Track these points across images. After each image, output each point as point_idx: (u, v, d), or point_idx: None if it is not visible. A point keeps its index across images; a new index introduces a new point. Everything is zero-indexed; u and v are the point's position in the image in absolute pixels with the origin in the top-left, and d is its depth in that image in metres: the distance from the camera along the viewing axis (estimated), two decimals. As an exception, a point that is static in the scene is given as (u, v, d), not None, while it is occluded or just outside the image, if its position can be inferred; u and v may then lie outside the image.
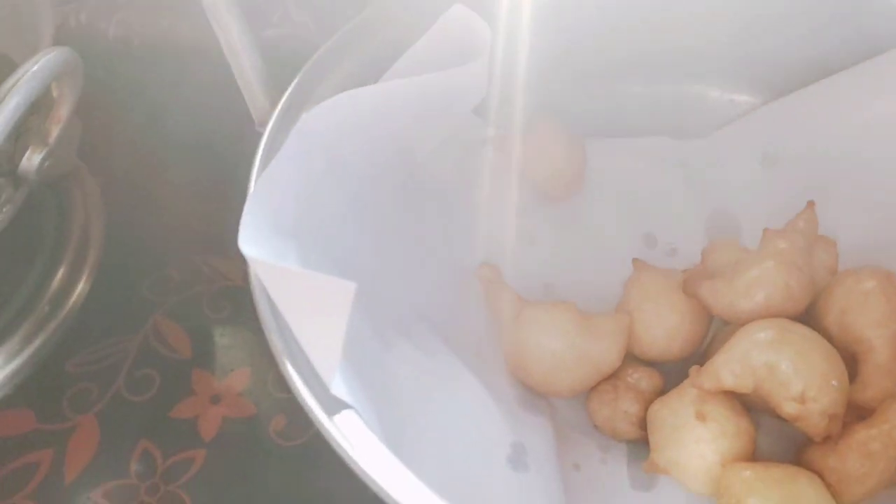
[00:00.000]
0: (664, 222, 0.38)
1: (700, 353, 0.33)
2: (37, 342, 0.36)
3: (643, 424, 0.30)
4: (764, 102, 0.39)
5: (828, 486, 0.27)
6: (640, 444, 0.31)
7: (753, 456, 0.29)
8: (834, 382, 0.27)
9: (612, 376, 0.32)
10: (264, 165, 0.28)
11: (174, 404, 0.37)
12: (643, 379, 0.31)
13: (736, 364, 0.28)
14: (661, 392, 0.31)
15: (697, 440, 0.28)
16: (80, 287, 0.38)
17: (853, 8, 0.35)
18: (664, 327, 0.31)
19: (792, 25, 0.37)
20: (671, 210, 0.38)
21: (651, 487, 0.30)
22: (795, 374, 0.27)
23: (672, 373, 0.32)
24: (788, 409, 0.27)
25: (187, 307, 0.39)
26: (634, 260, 0.34)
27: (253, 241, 0.24)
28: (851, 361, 0.29)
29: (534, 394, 0.32)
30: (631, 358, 0.33)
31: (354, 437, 0.22)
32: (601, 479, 0.30)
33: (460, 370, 0.30)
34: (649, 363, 0.32)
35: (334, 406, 0.23)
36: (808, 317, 0.31)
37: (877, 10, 0.34)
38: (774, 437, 0.30)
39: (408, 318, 0.32)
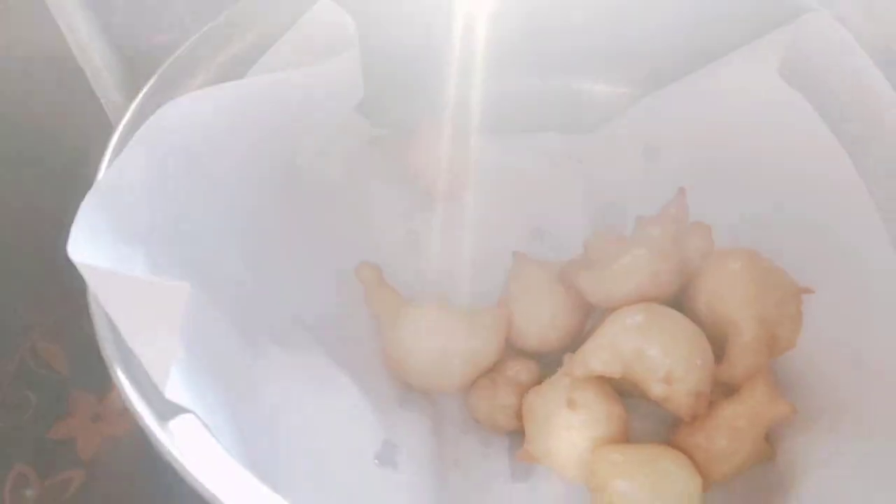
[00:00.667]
0: (553, 217, 0.38)
1: (581, 343, 0.33)
2: None
3: (521, 416, 0.30)
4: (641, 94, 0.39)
5: (696, 464, 0.27)
6: (521, 435, 0.30)
7: (626, 440, 0.28)
8: (699, 362, 0.28)
9: (493, 371, 0.32)
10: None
11: (51, 425, 0.35)
12: (522, 371, 0.31)
13: (604, 350, 0.28)
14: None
15: (568, 428, 0.28)
16: (-47, 312, 0.37)
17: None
18: (542, 318, 0.31)
19: (668, 16, 0.37)
20: (560, 205, 0.38)
21: (530, 477, 0.30)
22: (661, 356, 0.27)
23: (554, 365, 0.32)
24: (656, 390, 0.28)
25: (66, 324, 0.38)
26: (514, 253, 0.33)
27: (89, 246, 0.23)
28: (722, 342, 0.30)
29: (415, 392, 0.32)
30: (514, 351, 0.33)
31: (186, 441, 0.21)
32: (482, 473, 0.30)
33: (335, 373, 0.30)
34: (531, 355, 0.32)
35: (170, 411, 0.22)
36: (682, 300, 0.31)
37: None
38: (649, 421, 0.30)
39: (283, 324, 0.31)
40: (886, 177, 0.31)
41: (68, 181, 0.42)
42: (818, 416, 0.29)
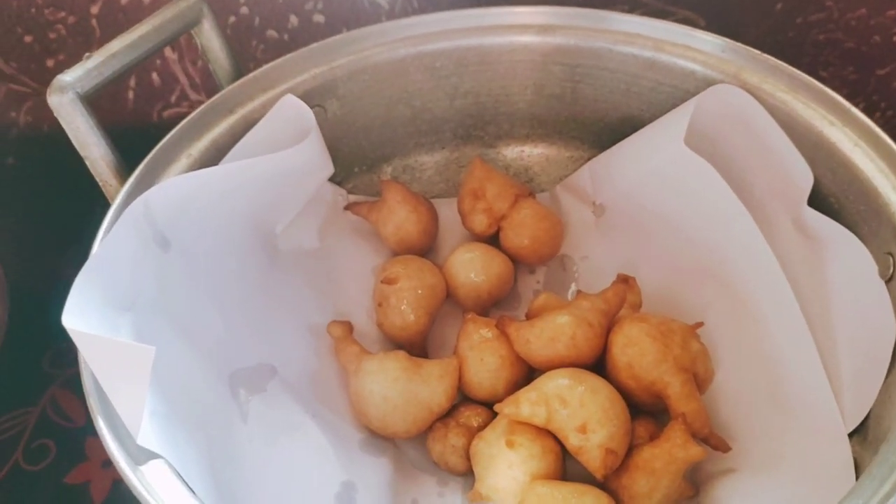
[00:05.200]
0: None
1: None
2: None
3: (470, 458, 0.33)
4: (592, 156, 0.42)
5: (622, 502, 0.30)
6: (474, 476, 0.33)
7: (561, 474, 0.31)
8: (612, 420, 0.30)
9: (449, 417, 0.35)
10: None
11: (69, 470, 0.40)
12: (473, 416, 0.35)
13: (532, 395, 0.31)
14: (491, 427, 0.33)
15: (510, 465, 0.31)
16: (-17, 365, 0.42)
17: (651, 69, 0.39)
18: (488, 370, 0.35)
19: (607, 88, 0.41)
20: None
21: (480, 514, 0.33)
22: (579, 407, 0.30)
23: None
24: (573, 440, 0.31)
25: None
26: (465, 313, 0.37)
27: (80, 315, 0.27)
28: (657, 399, 0.32)
29: (377, 437, 0.35)
30: (469, 401, 0.36)
31: (157, 483, 0.25)
32: (437, 510, 0.33)
33: (304, 420, 0.34)
34: (485, 404, 0.35)
35: (143, 456, 0.26)
36: (608, 375, 0.33)
37: (668, 71, 0.38)
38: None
39: (261, 376, 0.34)
40: (794, 230, 0.34)
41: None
42: (735, 454, 0.32)
